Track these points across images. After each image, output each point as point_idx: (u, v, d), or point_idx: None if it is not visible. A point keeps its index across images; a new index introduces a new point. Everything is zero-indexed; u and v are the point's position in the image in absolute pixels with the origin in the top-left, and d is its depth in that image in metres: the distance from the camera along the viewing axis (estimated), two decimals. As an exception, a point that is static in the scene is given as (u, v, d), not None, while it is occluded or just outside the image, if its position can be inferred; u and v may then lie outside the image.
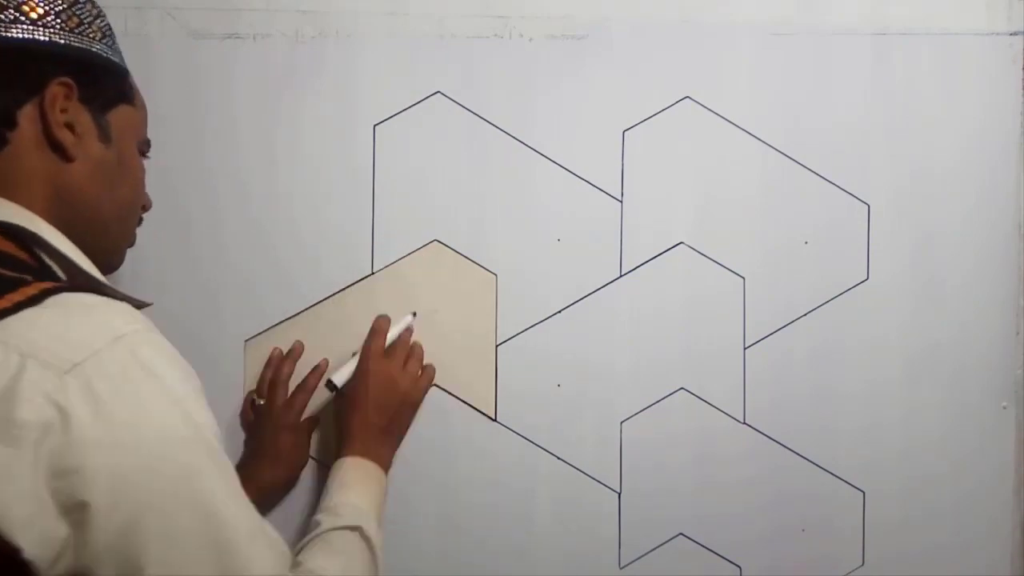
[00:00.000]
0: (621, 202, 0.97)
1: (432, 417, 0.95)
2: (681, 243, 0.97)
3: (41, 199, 0.59)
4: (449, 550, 0.96)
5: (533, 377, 0.96)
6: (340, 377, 0.89)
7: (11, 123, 0.59)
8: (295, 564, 0.63)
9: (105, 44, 0.65)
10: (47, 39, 0.60)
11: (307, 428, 0.93)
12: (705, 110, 0.97)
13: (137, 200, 0.69)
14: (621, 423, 0.97)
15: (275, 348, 0.93)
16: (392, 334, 0.92)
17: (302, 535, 0.75)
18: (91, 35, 0.63)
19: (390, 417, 0.87)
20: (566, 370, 0.96)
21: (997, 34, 0.98)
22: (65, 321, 0.49)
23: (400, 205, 0.94)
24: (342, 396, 0.90)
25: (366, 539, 0.74)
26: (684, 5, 0.96)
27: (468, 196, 0.95)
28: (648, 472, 0.97)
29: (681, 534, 0.98)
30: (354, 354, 0.91)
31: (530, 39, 0.95)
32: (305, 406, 0.92)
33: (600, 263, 0.97)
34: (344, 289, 0.95)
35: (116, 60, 0.66)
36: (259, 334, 0.94)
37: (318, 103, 0.93)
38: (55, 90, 0.60)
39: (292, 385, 0.92)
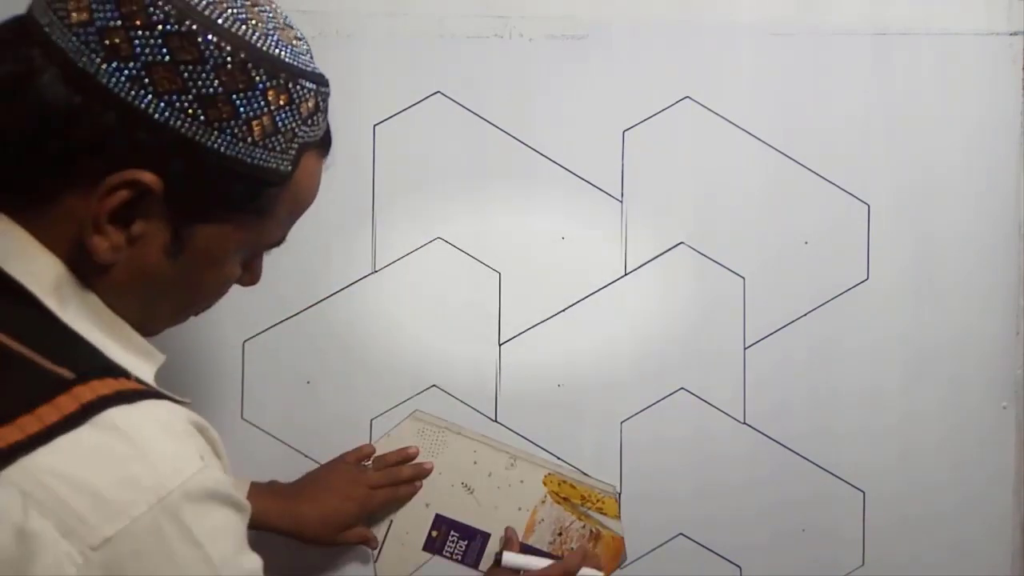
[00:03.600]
0: (621, 202, 0.96)
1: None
2: (681, 243, 0.97)
3: (71, 256, 0.47)
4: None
5: (534, 377, 0.96)
6: (512, 559, 0.89)
7: (61, 190, 0.46)
8: None
9: (259, 148, 0.48)
10: (159, 117, 0.45)
11: (368, 505, 0.89)
12: (705, 110, 0.97)
13: (202, 302, 0.57)
14: (621, 423, 0.97)
15: (415, 449, 0.92)
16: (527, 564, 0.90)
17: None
18: (234, 133, 0.47)
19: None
20: (567, 370, 0.96)
21: (997, 34, 0.98)
22: (103, 468, 0.40)
23: (401, 204, 0.94)
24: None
25: None
26: (684, 5, 0.96)
27: (469, 195, 0.95)
28: (648, 472, 0.97)
29: (681, 534, 0.98)
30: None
31: (530, 39, 0.95)
32: (381, 487, 0.90)
33: (601, 263, 0.96)
34: (346, 288, 0.95)
35: (270, 167, 0.49)
36: (258, 334, 0.94)
37: (318, 103, 0.93)
38: (118, 194, 0.45)
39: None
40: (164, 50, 0.44)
